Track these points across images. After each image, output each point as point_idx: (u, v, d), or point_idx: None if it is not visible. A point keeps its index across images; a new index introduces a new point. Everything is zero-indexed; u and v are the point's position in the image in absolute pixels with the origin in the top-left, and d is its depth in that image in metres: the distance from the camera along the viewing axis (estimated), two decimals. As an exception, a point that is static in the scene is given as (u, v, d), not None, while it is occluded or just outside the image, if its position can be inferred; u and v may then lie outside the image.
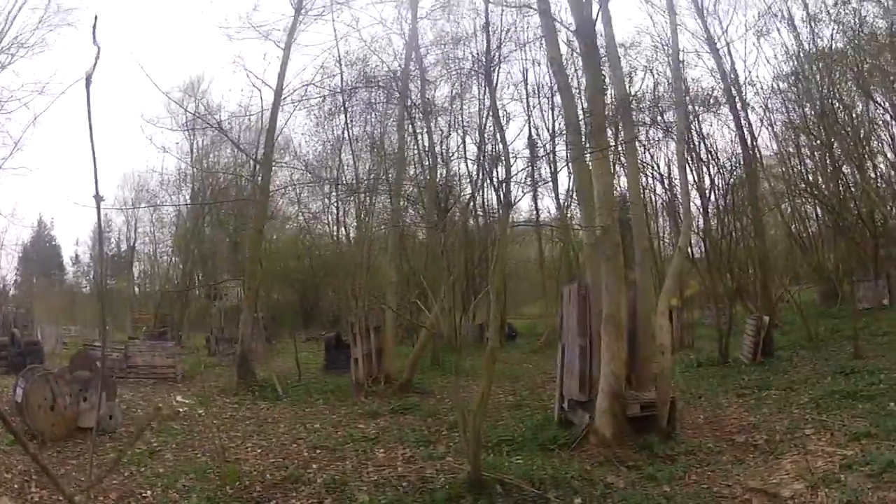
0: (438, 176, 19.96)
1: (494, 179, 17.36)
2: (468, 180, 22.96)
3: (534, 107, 30.71)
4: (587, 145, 11.05)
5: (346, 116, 21.51)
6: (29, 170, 43.32)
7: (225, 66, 69.70)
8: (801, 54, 24.96)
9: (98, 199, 4.11)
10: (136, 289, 56.03)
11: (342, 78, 21.50)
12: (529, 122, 29.83)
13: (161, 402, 15.97)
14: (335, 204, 25.96)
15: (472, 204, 19.54)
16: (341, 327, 25.38)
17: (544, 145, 24.54)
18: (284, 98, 20.21)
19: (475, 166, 21.70)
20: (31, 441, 10.82)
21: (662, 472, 7.88)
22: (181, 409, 15.09)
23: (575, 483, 7.55)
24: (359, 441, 10.68)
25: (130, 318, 43.99)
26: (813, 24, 24.42)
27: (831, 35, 23.60)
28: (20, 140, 21.24)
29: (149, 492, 8.00)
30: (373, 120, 22.55)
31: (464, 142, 28.29)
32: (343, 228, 26.73)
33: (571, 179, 21.37)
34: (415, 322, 18.38)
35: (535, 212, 32.98)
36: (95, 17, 2.43)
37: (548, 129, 29.08)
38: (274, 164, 23.09)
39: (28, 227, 65.65)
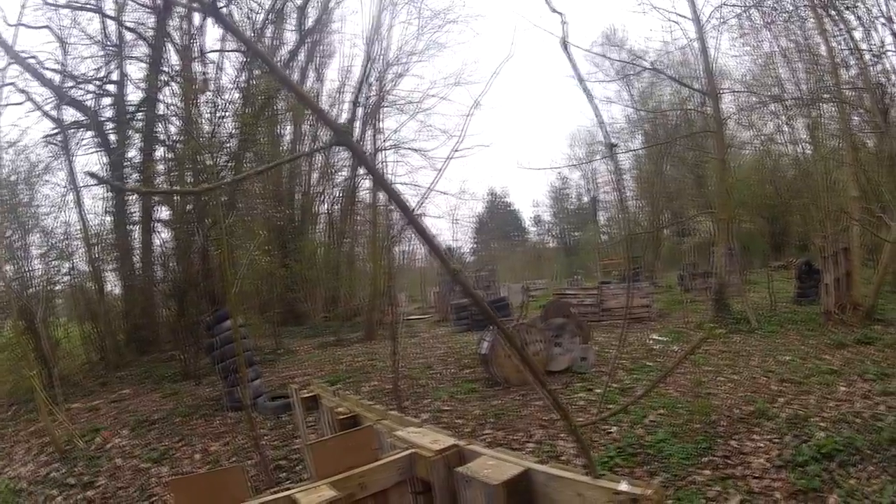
0: (874, 74, 17.64)
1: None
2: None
3: None
4: None
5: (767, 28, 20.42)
6: (485, 146, 47.87)
7: (633, 10, 69.17)
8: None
9: (611, 146, 4.59)
10: (603, 236, 58.34)
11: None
12: None
13: (635, 341, 16.65)
14: (785, 122, 24.62)
15: None
16: (810, 252, 23.98)
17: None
18: (704, 24, 19.50)
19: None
20: (494, 387, 12.20)
21: None
22: (656, 347, 15.57)
23: None
24: (824, 374, 10.19)
25: (601, 265, 45.94)
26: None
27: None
28: (465, 127, 23.24)
29: (615, 428, 8.41)
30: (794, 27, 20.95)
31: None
32: (798, 146, 25.27)
33: None
34: (879, 237, 16.63)
35: None
36: None
37: None
38: (719, 92, 22.37)
39: (480, 200, 72.10)
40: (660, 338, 16.81)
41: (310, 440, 6.31)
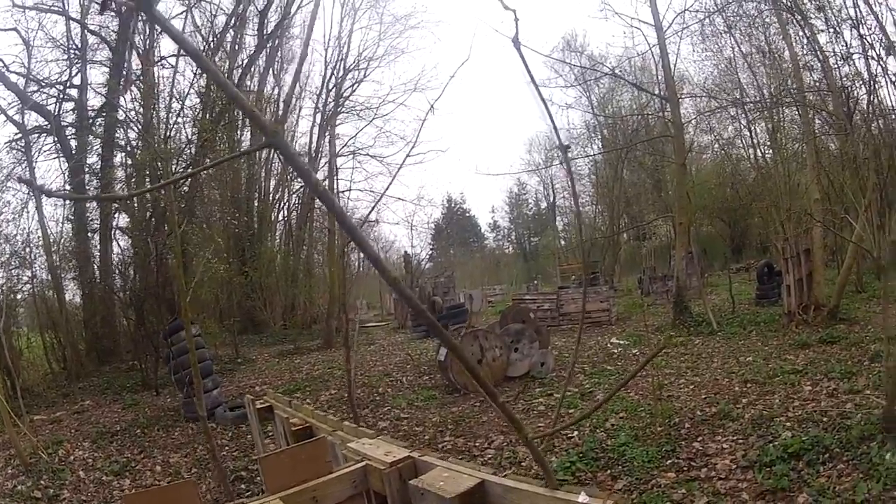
0: (839, 77, 17.86)
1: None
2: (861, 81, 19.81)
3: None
4: None
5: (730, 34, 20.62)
6: (441, 151, 47.72)
7: (594, 16, 69.29)
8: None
9: (564, 148, 4.46)
10: (562, 241, 58.58)
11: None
12: None
13: (595, 345, 16.65)
14: (746, 126, 24.78)
15: (870, 105, 17.25)
16: (771, 254, 24.25)
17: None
18: (666, 30, 19.63)
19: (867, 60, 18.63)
20: (453, 394, 12.13)
21: None
22: (615, 351, 15.56)
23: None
24: (787, 374, 10.15)
25: (559, 270, 46.04)
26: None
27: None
28: (419, 132, 23.17)
29: (575, 433, 8.29)
30: (757, 32, 21.14)
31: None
32: (758, 150, 25.46)
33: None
34: (843, 238, 16.85)
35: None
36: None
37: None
38: (679, 96, 22.52)
39: (437, 206, 72.20)
40: (619, 341, 16.87)
41: (266, 451, 6.19)
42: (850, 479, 5.64)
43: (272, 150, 31.57)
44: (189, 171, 19.95)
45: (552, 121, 4.03)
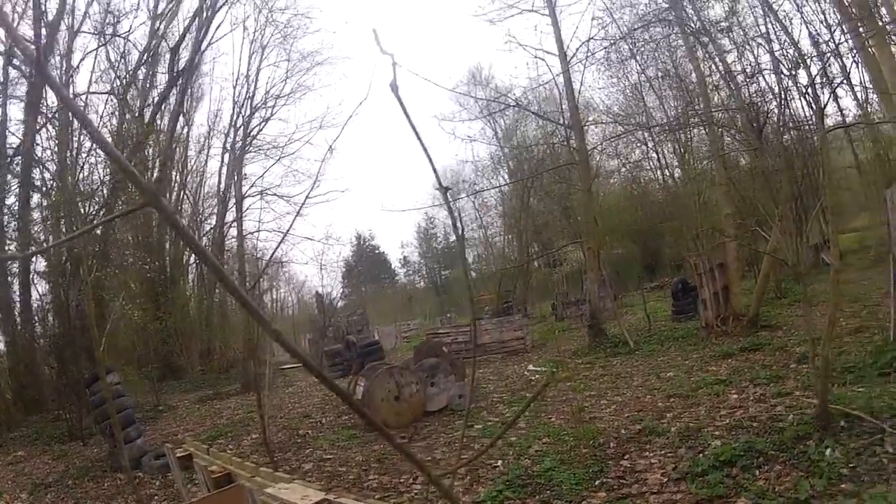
0: (748, 94, 18.39)
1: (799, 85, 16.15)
2: (772, 95, 20.55)
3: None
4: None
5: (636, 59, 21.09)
6: (341, 191, 47.33)
7: (500, 49, 70.52)
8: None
9: (445, 189, 4.25)
10: (473, 273, 58.84)
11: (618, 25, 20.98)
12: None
13: (512, 373, 16.63)
14: (653, 148, 25.37)
15: (781, 118, 17.94)
16: (685, 271, 24.73)
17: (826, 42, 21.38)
18: (570, 59, 19.92)
19: (778, 76, 19.38)
20: (374, 432, 11.89)
21: None
22: (533, 378, 15.51)
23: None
24: (711, 384, 10.25)
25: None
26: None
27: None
28: (319, 172, 22.92)
29: (500, 462, 8.16)
30: (663, 56, 21.69)
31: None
32: (667, 171, 26.07)
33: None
34: (756, 249, 17.26)
35: (839, 113, 29.14)
36: (375, 31, 2.58)
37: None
38: (584, 123, 22.87)
39: (346, 244, 72.08)
40: (536, 368, 16.89)
41: (190, 500, 5.96)
42: (791, 479, 5.67)
43: (182, 191, 30.79)
44: (86, 226, 19.29)
45: (432, 164, 3.87)
